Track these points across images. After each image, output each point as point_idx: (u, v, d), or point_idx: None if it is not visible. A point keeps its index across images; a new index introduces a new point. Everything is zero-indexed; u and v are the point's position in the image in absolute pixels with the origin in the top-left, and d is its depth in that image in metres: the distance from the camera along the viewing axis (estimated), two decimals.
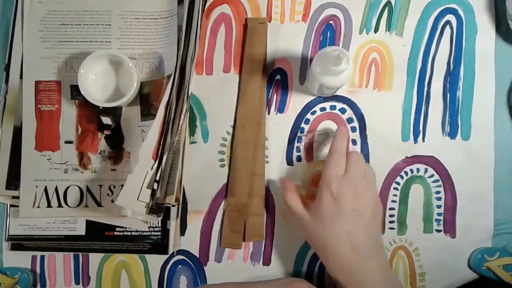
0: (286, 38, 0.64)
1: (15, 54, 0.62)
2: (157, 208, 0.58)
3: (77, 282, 0.62)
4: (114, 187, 0.61)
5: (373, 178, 0.56)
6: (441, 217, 0.62)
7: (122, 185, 0.59)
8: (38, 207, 0.60)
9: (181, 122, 0.58)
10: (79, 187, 0.61)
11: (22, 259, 0.62)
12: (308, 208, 0.54)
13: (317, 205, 0.53)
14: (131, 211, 0.59)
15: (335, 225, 0.52)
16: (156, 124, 0.57)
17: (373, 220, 0.54)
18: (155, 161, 0.56)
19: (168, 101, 0.57)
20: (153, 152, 0.57)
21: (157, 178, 0.56)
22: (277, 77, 0.63)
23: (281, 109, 0.63)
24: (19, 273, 0.60)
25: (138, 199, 0.56)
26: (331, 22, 0.64)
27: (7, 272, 0.60)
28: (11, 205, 0.61)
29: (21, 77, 0.62)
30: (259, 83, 0.62)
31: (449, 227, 0.62)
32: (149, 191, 0.56)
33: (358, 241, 0.52)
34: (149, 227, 0.61)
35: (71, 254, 0.62)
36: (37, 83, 0.61)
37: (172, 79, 0.58)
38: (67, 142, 0.61)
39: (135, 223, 0.60)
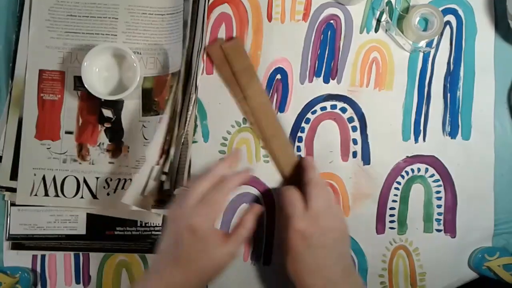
0: (287, 38, 0.64)
1: (22, 44, 0.62)
2: (169, 200, 0.58)
3: (77, 282, 0.62)
4: (111, 180, 0.61)
5: (337, 206, 0.57)
6: (442, 217, 0.62)
7: (119, 179, 0.60)
8: (36, 195, 0.60)
9: (189, 113, 0.58)
10: (76, 178, 0.61)
11: (22, 259, 0.62)
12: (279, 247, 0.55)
13: (286, 244, 0.54)
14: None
15: (306, 260, 0.53)
16: (163, 123, 0.57)
17: (343, 250, 0.55)
18: (162, 154, 0.57)
19: (174, 97, 0.58)
20: (160, 148, 0.57)
21: (165, 170, 0.56)
22: (278, 76, 0.63)
23: (281, 108, 0.63)
24: (20, 272, 0.60)
25: (143, 194, 0.56)
26: (332, 21, 0.64)
27: (7, 271, 0.60)
28: (11, 204, 0.61)
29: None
30: (259, 89, 0.62)
31: (449, 227, 0.62)
32: (155, 183, 0.56)
33: (329, 273, 0.52)
34: (149, 227, 0.61)
35: (72, 253, 0.62)
36: (41, 72, 0.62)
37: (178, 76, 0.58)
38: (67, 132, 0.61)
39: (149, 216, 0.60)
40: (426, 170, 0.62)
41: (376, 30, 0.64)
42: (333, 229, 0.54)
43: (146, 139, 0.60)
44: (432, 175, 0.62)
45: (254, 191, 0.62)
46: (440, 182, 0.62)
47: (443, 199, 0.62)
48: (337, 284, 0.52)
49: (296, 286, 0.53)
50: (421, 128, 0.63)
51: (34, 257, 0.62)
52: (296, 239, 0.52)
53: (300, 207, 0.54)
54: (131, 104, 0.61)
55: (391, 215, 0.62)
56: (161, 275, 0.51)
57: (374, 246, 0.62)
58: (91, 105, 0.62)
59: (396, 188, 0.62)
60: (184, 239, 0.51)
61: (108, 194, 0.61)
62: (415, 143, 0.63)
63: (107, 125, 0.62)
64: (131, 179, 0.60)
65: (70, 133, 0.61)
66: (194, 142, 0.62)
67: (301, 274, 0.53)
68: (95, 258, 0.62)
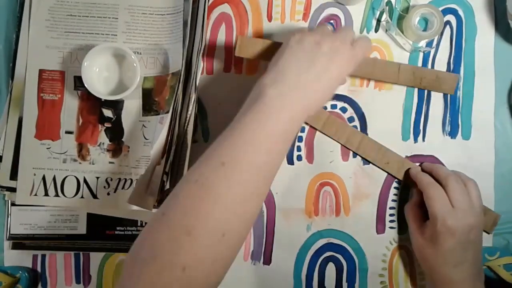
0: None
1: (22, 44, 0.62)
2: None
3: (78, 281, 0.62)
4: (111, 179, 0.61)
5: (478, 202, 0.57)
6: None
7: (119, 179, 0.60)
8: (35, 195, 0.60)
9: (189, 112, 0.58)
10: (76, 177, 0.61)
11: (23, 258, 0.62)
12: (422, 232, 0.57)
13: (432, 235, 0.56)
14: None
15: (454, 255, 0.55)
16: (165, 123, 0.57)
17: (480, 247, 0.57)
18: (164, 154, 0.57)
19: (174, 98, 0.58)
20: (163, 148, 0.57)
21: (167, 170, 0.57)
22: None
23: None
24: (20, 272, 0.60)
25: (146, 194, 0.56)
26: (332, 21, 0.64)
27: (8, 271, 0.60)
28: (12, 204, 0.61)
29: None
30: None
31: None
32: (158, 183, 0.56)
33: (471, 268, 0.56)
34: None
35: (72, 253, 0.62)
36: (41, 71, 0.62)
37: (178, 76, 0.58)
38: (67, 132, 0.61)
39: (149, 216, 0.60)
40: None
41: (376, 30, 0.64)
42: (475, 226, 0.56)
43: (146, 139, 0.61)
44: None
45: None
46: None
47: None
48: (475, 280, 0.56)
49: (436, 279, 0.57)
50: (421, 128, 0.63)
51: (35, 257, 0.62)
52: (446, 235, 0.55)
53: (448, 205, 0.55)
54: (132, 104, 0.62)
55: (391, 215, 0.62)
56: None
57: (374, 246, 0.62)
58: (91, 105, 0.62)
59: (396, 188, 0.62)
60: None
61: (108, 194, 0.61)
62: (415, 143, 0.63)
63: (107, 125, 0.62)
64: (131, 179, 0.60)
65: (70, 133, 0.61)
66: (194, 142, 0.62)
67: (446, 268, 0.55)
68: (95, 258, 0.62)
